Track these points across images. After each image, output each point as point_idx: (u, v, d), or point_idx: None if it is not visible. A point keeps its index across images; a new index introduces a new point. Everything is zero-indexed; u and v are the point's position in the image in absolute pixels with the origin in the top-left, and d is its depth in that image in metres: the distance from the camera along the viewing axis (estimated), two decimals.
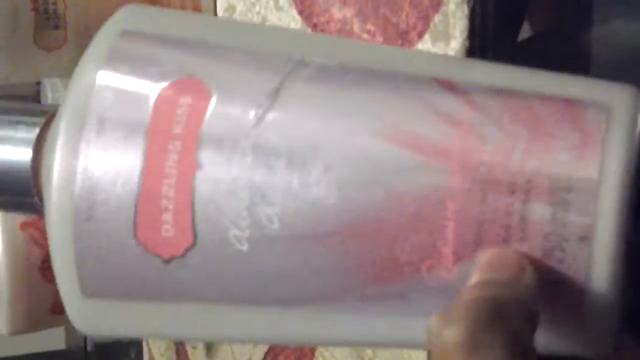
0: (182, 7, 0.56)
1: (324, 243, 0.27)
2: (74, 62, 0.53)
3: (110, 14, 0.54)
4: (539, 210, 0.26)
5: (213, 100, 0.28)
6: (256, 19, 0.53)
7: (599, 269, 0.26)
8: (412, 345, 0.29)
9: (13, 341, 0.71)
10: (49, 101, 0.51)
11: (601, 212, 0.26)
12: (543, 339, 0.26)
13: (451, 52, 0.43)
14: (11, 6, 0.50)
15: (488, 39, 0.44)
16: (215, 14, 0.56)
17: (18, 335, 0.65)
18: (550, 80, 0.28)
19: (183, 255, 0.28)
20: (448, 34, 0.44)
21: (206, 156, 0.28)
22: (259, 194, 0.28)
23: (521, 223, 0.26)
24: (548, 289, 0.26)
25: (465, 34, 0.43)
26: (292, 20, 0.51)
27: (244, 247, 0.28)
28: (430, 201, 0.27)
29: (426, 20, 0.44)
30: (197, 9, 0.56)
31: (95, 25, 0.54)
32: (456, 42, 0.43)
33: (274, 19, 0.52)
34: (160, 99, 0.28)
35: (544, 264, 0.26)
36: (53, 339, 0.99)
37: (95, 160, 0.28)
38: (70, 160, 0.29)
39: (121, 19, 0.31)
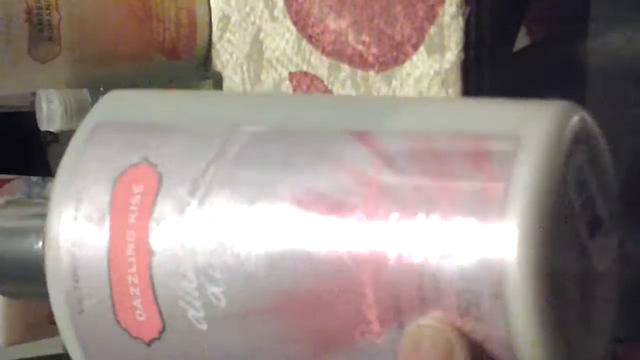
0: (177, 20, 0.56)
1: (266, 317, 0.28)
2: (69, 73, 0.53)
3: (104, 24, 0.54)
4: (449, 269, 0.26)
5: (161, 186, 0.30)
6: (251, 30, 0.53)
7: (518, 322, 0.25)
8: None
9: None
10: (44, 112, 0.51)
11: (509, 269, 0.25)
12: None
13: (447, 64, 0.43)
14: (5, 17, 0.50)
15: (484, 50, 0.43)
16: (211, 24, 0.56)
17: (15, 345, 0.65)
18: (461, 115, 0.28)
19: (159, 338, 0.29)
20: (443, 46, 0.43)
21: (157, 242, 0.29)
22: (204, 274, 0.29)
23: (434, 282, 0.26)
24: (476, 349, 0.25)
25: (460, 45, 0.43)
26: (287, 30, 0.51)
27: (204, 327, 0.29)
28: (348, 266, 0.27)
29: (421, 32, 0.44)
30: (192, 20, 0.56)
31: (90, 36, 0.54)
32: (451, 54, 0.43)
33: (268, 29, 0.52)
34: (118, 189, 0.30)
35: (465, 323, 0.25)
36: (50, 343, 0.99)
37: (73, 252, 0.30)
38: (55, 252, 0.30)
39: (98, 110, 0.33)
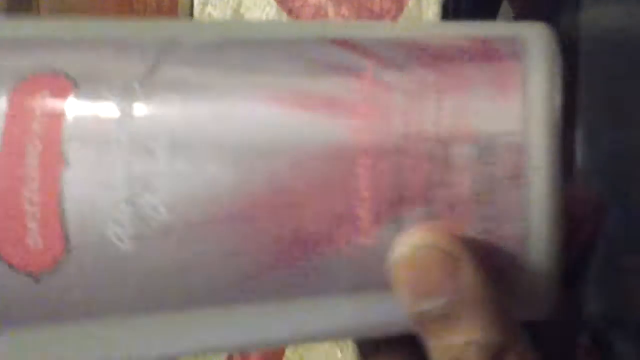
0: (158, 3, 0.55)
1: (223, 226, 0.25)
2: None
3: (84, 3, 0.53)
4: (464, 152, 0.23)
5: (78, 93, 0.26)
6: (232, 4, 0.53)
7: (534, 208, 0.23)
8: (336, 332, 0.26)
9: None
10: None
11: (531, 143, 0.23)
12: None
13: None
14: None
15: (462, 21, 0.43)
16: (192, 2, 0.55)
17: None
18: (458, 27, 0.26)
19: (56, 267, 0.25)
20: (422, 18, 0.43)
21: (74, 152, 0.25)
22: (140, 183, 0.25)
23: (446, 167, 0.23)
24: (483, 241, 0.24)
25: (438, 17, 0.43)
26: (267, 4, 0.51)
27: (128, 247, 0.25)
28: (338, 161, 0.24)
29: (400, 4, 0.44)
30: (173, 2, 0.56)
31: (69, 11, 0.53)
32: None
33: (249, 3, 0.52)
34: (15, 97, 0.25)
35: (478, 213, 0.23)
36: None
37: None
38: None
39: None
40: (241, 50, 0.26)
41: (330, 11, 0.47)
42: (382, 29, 0.27)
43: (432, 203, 0.24)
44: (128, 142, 0.25)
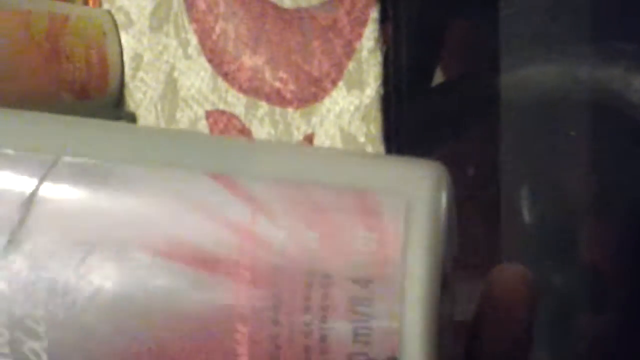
0: (87, 59, 0.54)
1: None
2: None
3: (9, 61, 0.52)
4: (340, 328, 0.23)
5: None
6: (164, 68, 0.52)
7: None
8: None
9: None
10: None
11: (406, 330, 0.23)
12: None
13: (367, 99, 0.43)
14: None
15: (402, 85, 0.43)
16: (122, 63, 0.54)
17: None
18: (343, 168, 0.26)
19: None
20: (362, 81, 0.43)
21: None
22: (21, 328, 0.24)
23: (322, 343, 0.23)
24: None
25: (379, 80, 0.43)
26: (202, 69, 0.50)
27: None
28: (217, 324, 0.23)
29: (339, 68, 0.44)
30: (103, 59, 0.55)
31: None
32: (371, 90, 0.43)
33: (182, 67, 0.51)
34: None
35: None
36: None
37: None
38: None
39: None
40: (121, 183, 0.25)
41: (268, 75, 0.47)
42: (262, 160, 0.26)
43: None
44: (7, 286, 0.24)
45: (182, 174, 0.25)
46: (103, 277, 0.24)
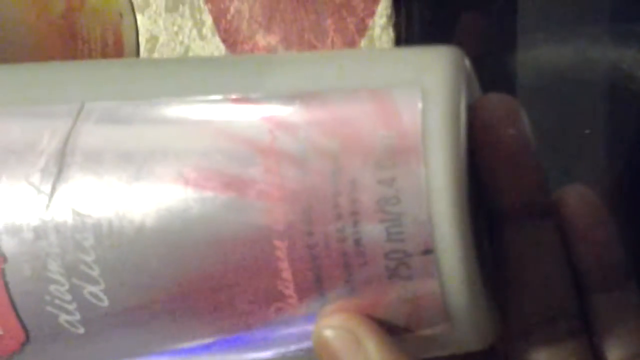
0: (103, 41, 0.55)
1: (158, 309, 0.25)
2: None
3: (28, 45, 0.52)
4: (372, 229, 0.24)
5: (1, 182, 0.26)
6: (179, 49, 0.52)
7: (449, 276, 0.24)
8: None
9: None
10: None
11: (436, 220, 0.23)
12: (420, 350, 0.25)
13: None
14: None
15: None
16: (138, 45, 0.55)
17: None
18: (356, 69, 0.26)
19: (20, 351, 0.26)
20: None
21: (7, 246, 0.26)
22: (77, 274, 0.25)
23: (357, 247, 0.24)
24: (405, 307, 0.24)
25: None
26: (216, 49, 0.50)
27: (81, 330, 0.26)
28: (255, 243, 0.24)
29: (352, 45, 0.44)
30: (118, 41, 0.55)
31: (12, 57, 0.52)
32: None
33: (197, 48, 0.51)
34: None
35: (393, 288, 0.24)
36: None
37: None
38: None
39: None
40: (148, 122, 0.26)
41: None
42: (279, 75, 0.26)
43: (349, 282, 0.24)
44: (55, 234, 0.25)
45: (201, 102, 0.26)
46: (143, 215, 0.25)
